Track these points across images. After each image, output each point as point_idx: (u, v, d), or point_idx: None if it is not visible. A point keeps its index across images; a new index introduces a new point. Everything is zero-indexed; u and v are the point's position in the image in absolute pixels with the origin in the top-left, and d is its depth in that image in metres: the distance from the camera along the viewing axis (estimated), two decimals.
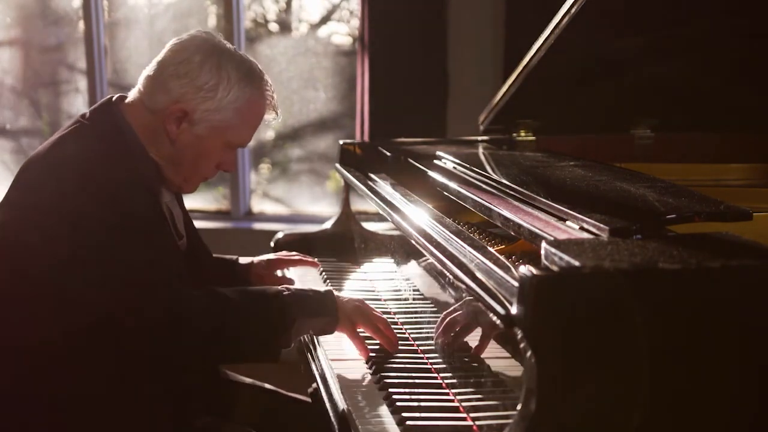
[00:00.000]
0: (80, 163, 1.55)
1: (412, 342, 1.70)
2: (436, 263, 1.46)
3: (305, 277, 2.14)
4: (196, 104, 1.61)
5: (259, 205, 4.27)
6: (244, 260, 2.02)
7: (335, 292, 1.68)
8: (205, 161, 1.68)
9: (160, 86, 1.62)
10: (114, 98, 1.68)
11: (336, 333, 1.66)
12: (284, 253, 2.08)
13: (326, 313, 1.63)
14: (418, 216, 1.67)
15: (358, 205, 2.41)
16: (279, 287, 1.65)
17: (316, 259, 2.10)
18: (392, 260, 2.11)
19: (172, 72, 1.61)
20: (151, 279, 1.52)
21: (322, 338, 1.72)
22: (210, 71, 1.60)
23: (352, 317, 1.64)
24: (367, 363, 1.60)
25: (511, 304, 1.07)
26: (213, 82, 1.60)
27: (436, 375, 1.52)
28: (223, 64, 1.62)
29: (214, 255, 2.03)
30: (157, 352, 1.53)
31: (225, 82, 1.61)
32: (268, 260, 2.02)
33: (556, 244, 1.10)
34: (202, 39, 1.64)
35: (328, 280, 2.14)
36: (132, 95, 1.67)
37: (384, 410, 1.40)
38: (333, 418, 1.46)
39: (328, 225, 2.46)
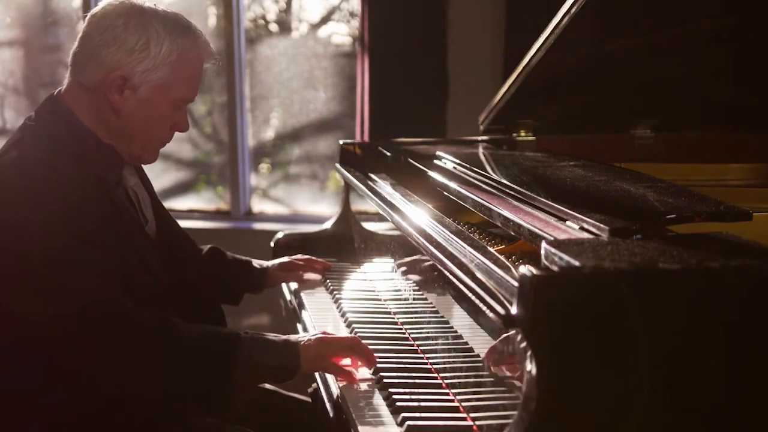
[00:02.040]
0: (23, 168, 1.52)
1: (412, 342, 1.70)
2: (436, 263, 1.46)
3: (306, 284, 2.15)
4: (132, 67, 1.56)
5: (259, 205, 4.26)
6: (257, 263, 2.11)
7: (295, 337, 1.56)
8: (157, 125, 1.64)
9: (91, 60, 1.58)
10: (55, 93, 1.64)
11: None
12: (298, 256, 2.20)
13: (286, 361, 1.51)
14: (418, 216, 1.67)
15: (358, 205, 2.41)
16: (238, 331, 1.53)
17: (324, 260, 2.21)
18: (392, 260, 2.11)
19: (99, 42, 1.57)
20: (97, 295, 1.46)
21: None
22: (137, 32, 1.56)
23: (321, 354, 1.52)
24: None
25: (511, 304, 1.07)
26: (143, 41, 1.56)
27: (436, 375, 1.52)
28: (148, 22, 1.58)
29: (230, 255, 2.07)
30: (93, 376, 1.48)
31: (154, 38, 1.57)
32: (281, 263, 2.15)
33: (556, 244, 1.10)
34: (119, 2, 1.60)
35: (328, 281, 2.14)
36: (66, 82, 1.64)
37: (384, 410, 1.40)
38: (333, 418, 1.46)
39: (328, 225, 2.46)
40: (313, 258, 2.20)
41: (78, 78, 1.61)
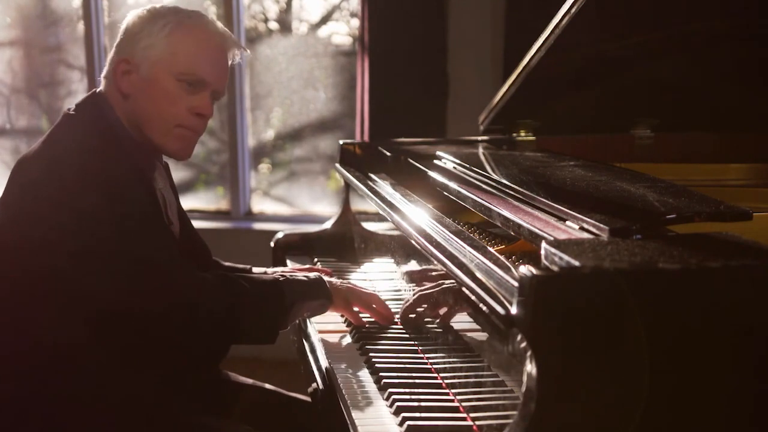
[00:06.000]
0: (76, 157, 1.56)
1: (412, 342, 1.70)
2: (435, 263, 1.46)
3: None
4: (132, 49, 1.64)
5: (259, 205, 4.27)
6: (257, 270, 2.04)
7: (321, 277, 1.77)
8: (167, 104, 1.64)
9: (113, 58, 1.67)
10: (97, 90, 1.70)
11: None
12: (297, 266, 2.14)
13: (321, 295, 1.73)
14: (418, 216, 1.67)
15: (358, 205, 2.41)
16: (275, 274, 1.73)
17: (330, 270, 2.12)
18: (392, 260, 2.11)
19: (117, 42, 1.68)
20: (164, 266, 1.55)
21: (320, 341, 1.73)
22: (144, 20, 1.65)
23: (347, 297, 1.75)
24: (366, 363, 1.60)
25: (511, 304, 1.07)
26: (144, 24, 1.64)
27: (436, 375, 1.52)
28: (156, 11, 1.66)
29: (226, 263, 2.05)
30: (171, 338, 1.56)
31: (153, 20, 1.64)
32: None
33: (556, 244, 1.10)
34: (144, 9, 1.68)
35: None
36: (102, 84, 1.70)
37: (384, 410, 1.40)
38: (333, 418, 1.46)
39: (328, 225, 2.46)
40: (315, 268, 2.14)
41: (107, 78, 1.68)
